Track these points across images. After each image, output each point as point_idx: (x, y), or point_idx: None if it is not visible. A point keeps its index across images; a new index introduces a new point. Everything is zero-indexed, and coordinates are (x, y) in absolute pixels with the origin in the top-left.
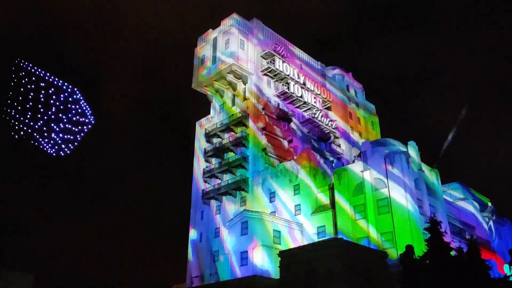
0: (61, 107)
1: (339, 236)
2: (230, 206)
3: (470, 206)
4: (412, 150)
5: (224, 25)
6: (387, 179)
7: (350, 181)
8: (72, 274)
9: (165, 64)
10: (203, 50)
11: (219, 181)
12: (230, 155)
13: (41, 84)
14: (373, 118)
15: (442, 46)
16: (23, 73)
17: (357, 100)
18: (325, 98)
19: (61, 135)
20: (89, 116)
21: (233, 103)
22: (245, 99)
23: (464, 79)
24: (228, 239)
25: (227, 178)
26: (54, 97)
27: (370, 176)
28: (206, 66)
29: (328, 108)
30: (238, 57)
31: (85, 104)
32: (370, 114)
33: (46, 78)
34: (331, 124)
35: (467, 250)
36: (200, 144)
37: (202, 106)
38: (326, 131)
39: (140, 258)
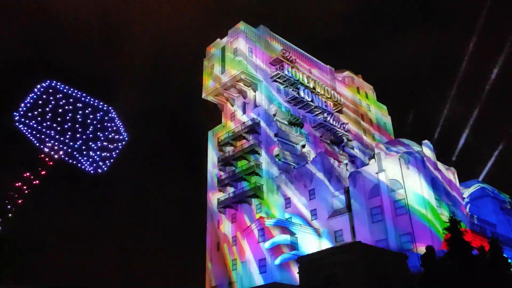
0: (98, 125)
1: (357, 240)
2: (246, 214)
3: (489, 204)
4: (427, 149)
5: (231, 34)
6: (403, 180)
7: (365, 183)
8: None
9: (174, 74)
10: (212, 59)
11: (234, 189)
12: (244, 163)
13: (79, 105)
14: (386, 119)
15: (453, 42)
16: (60, 95)
17: (368, 102)
18: (336, 101)
19: (98, 152)
20: (123, 133)
21: (244, 111)
22: (256, 106)
23: (477, 74)
24: (246, 247)
25: (241, 186)
26: (91, 116)
27: (385, 177)
28: (215, 75)
29: (340, 111)
30: (247, 65)
31: (119, 121)
32: (382, 115)
33: (83, 98)
34: (343, 127)
35: (489, 249)
36: (213, 153)
37: (214, 115)
38: (339, 134)
39: (158, 269)
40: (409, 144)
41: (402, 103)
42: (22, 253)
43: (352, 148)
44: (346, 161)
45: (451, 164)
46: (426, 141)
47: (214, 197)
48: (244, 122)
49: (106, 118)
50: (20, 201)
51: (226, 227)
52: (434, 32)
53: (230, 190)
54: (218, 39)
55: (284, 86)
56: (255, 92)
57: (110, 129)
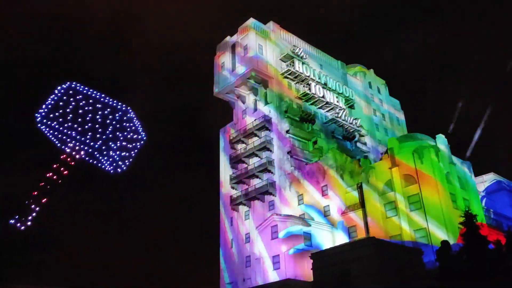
0: (117, 126)
1: (371, 235)
2: (259, 211)
3: (506, 197)
4: (441, 143)
5: (241, 31)
6: (417, 174)
7: (378, 178)
8: (106, 285)
9: (185, 73)
10: (223, 57)
11: (246, 187)
12: (256, 160)
13: (98, 105)
14: (398, 114)
15: (465, 33)
16: (80, 96)
17: (381, 97)
18: (348, 97)
19: (118, 152)
20: (141, 133)
21: (255, 108)
22: (267, 103)
23: (491, 66)
24: (259, 244)
25: (254, 183)
26: (110, 117)
27: (399, 172)
28: (226, 73)
29: (351, 107)
30: (257, 62)
31: (137, 121)
32: (394, 110)
33: (102, 99)
34: (355, 123)
35: (505, 243)
36: (225, 150)
37: (225, 113)
38: (351, 130)
39: (172, 266)
40: (423, 138)
41: (415, 97)
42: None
43: (365, 143)
44: (358, 157)
45: (466, 158)
46: (440, 135)
47: (227, 194)
48: (255, 119)
49: (124, 118)
50: (44, 200)
51: (240, 224)
52: (448, 23)
53: (243, 187)
54: (228, 37)
55: (295, 82)
56: (266, 89)
57: (128, 129)
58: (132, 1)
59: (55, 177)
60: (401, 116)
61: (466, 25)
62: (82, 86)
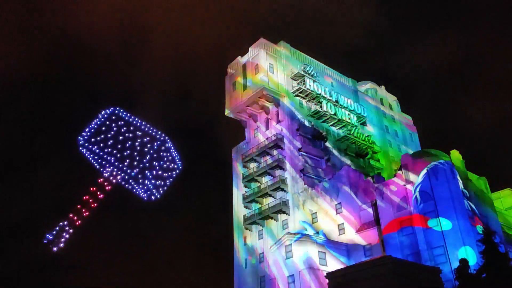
0: (154, 155)
1: (387, 254)
2: (273, 230)
3: None
4: (456, 159)
5: (252, 51)
6: (432, 191)
7: (393, 195)
8: None
9: (197, 93)
10: (234, 77)
11: (260, 206)
12: (268, 179)
13: (138, 133)
14: (411, 130)
15: (477, 45)
16: (122, 122)
17: (392, 113)
18: (360, 114)
19: (153, 181)
20: (177, 162)
21: (267, 127)
22: (279, 121)
23: (504, 78)
24: (273, 263)
25: (267, 202)
26: (148, 145)
27: (413, 189)
28: (237, 92)
29: (363, 124)
30: (268, 81)
31: (175, 151)
32: (407, 126)
33: (142, 127)
34: (368, 140)
35: None
36: (238, 169)
37: (237, 132)
38: (364, 147)
39: (185, 287)
40: (437, 154)
41: (428, 112)
42: (62, 273)
43: (378, 160)
44: (372, 174)
45: (482, 173)
46: (454, 150)
47: (240, 213)
48: (267, 138)
49: (162, 148)
50: (78, 222)
51: (253, 243)
52: (459, 34)
53: (256, 206)
54: (239, 57)
55: (306, 100)
56: (277, 107)
57: (165, 158)
58: (142, 20)
59: (91, 200)
60: (414, 131)
61: (479, 36)
62: (125, 113)
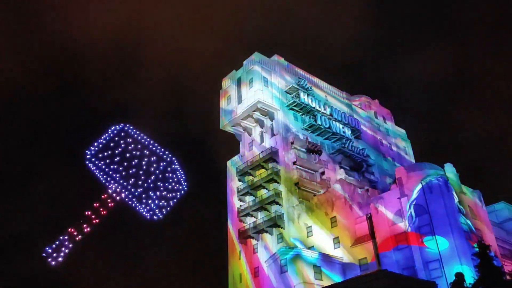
0: (160, 176)
1: (383, 268)
2: (268, 244)
3: None
4: (450, 172)
5: (246, 65)
6: (427, 204)
7: (388, 209)
8: None
9: (191, 106)
10: (228, 90)
11: (254, 220)
12: (263, 192)
13: (145, 151)
14: (405, 143)
15: (471, 58)
16: (130, 139)
17: (386, 126)
18: (354, 127)
19: (156, 201)
20: (183, 184)
21: (262, 140)
22: (273, 135)
23: (499, 90)
24: (269, 278)
25: (262, 215)
26: (155, 165)
27: (407, 202)
28: (232, 106)
29: (358, 137)
30: (262, 95)
31: (181, 173)
32: (401, 139)
33: (150, 146)
34: (362, 153)
35: None
36: (232, 183)
37: (232, 145)
38: (358, 160)
39: None
40: (431, 167)
41: (421, 125)
42: None
43: (372, 173)
44: (366, 187)
45: (477, 186)
46: (448, 163)
47: (235, 228)
48: (262, 151)
49: (168, 168)
50: (78, 237)
51: (248, 258)
52: (454, 48)
53: (251, 220)
54: (234, 70)
55: (300, 113)
56: (272, 121)
57: (171, 179)
58: (136, 34)
59: (93, 216)
60: (408, 145)
61: (472, 49)
62: (134, 130)
